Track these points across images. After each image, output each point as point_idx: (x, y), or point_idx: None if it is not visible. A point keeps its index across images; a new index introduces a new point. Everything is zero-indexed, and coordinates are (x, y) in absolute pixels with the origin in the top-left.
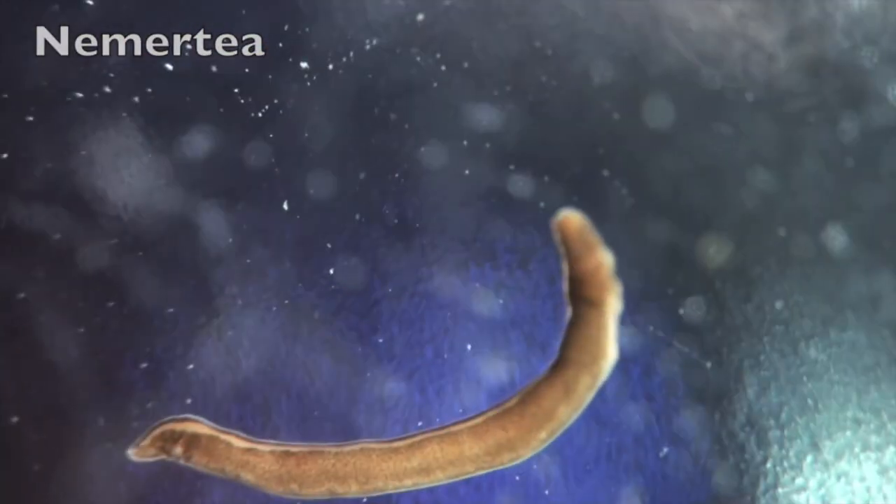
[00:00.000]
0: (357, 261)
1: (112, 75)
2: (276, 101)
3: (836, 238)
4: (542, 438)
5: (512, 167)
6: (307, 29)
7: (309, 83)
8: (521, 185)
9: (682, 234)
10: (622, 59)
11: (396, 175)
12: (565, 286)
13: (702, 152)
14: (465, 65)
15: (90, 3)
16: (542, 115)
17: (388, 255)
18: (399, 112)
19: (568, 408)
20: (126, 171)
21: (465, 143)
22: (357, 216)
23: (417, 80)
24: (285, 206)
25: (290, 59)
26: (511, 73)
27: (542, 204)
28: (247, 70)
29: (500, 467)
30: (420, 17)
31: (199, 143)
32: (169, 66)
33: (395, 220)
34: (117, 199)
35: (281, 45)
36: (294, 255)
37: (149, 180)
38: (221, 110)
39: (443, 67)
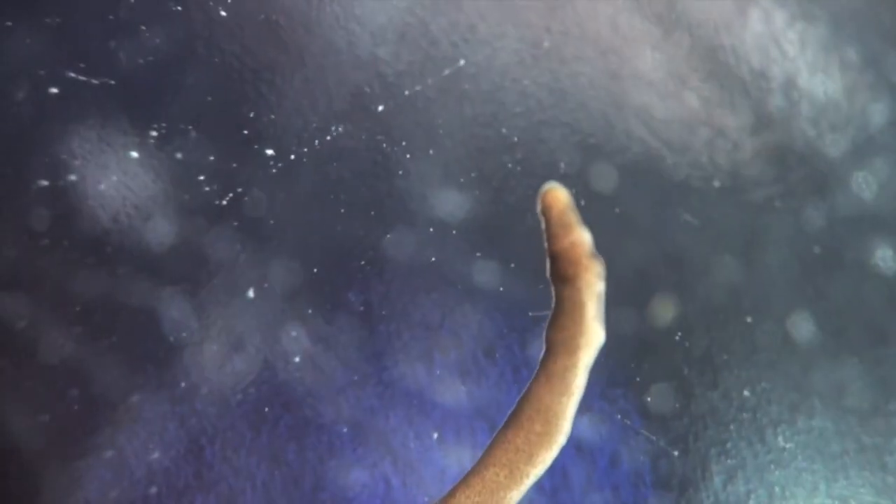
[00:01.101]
0: (322, 348)
1: (77, 162)
2: (240, 189)
3: (803, 325)
4: (545, 433)
5: (478, 254)
6: (272, 116)
7: (274, 170)
8: (487, 272)
9: (648, 321)
10: (588, 147)
11: (362, 262)
12: (547, 267)
13: (668, 240)
14: (431, 151)
15: (55, 90)
16: (508, 202)
17: (352, 343)
18: (364, 199)
19: (554, 394)
20: (90, 259)
21: (431, 230)
22: (322, 304)
23: (382, 168)
24: (250, 294)
25: (256, 147)
26: (477, 159)
27: (507, 291)
28: (212, 157)
29: (533, 478)
30: (385, 104)
31: (163, 230)
32: (134, 154)
33: (361, 308)
34: (81, 288)
35: (246, 132)
36: (258, 343)
37: (112, 268)
38: (186, 198)
39: (408, 155)
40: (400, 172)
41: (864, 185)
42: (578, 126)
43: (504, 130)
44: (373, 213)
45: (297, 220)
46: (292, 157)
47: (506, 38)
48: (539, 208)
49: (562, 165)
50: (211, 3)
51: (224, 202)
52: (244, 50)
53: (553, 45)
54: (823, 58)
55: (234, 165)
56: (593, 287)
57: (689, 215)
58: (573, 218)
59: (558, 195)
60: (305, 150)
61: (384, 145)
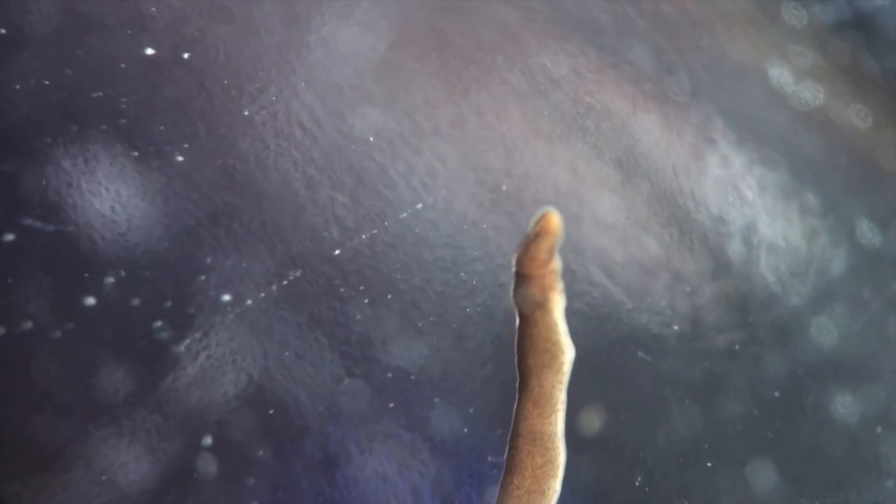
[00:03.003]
0: (279, 497)
1: (32, 307)
2: (197, 335)
3: (763, 471)
4: (548, 463)
5: (437, 400)
6: (229, 261)
7: (231, 316)
8: (446, 418)
9: (609, 467)
10: None
11: (319, 409)
12: (512, 288)
13: (628, 385)
14: (389, 296)
15: (10, 237)
16: (467, 348)
17: (310, 493)
18: (323, 346)
19: (545, 419)
20: (49, 406)
21: (389, 375)
22: (279, 452)
23: (340, 313)
24: (208, 441)
25: (213, 292)
26: (436, 304)
27: (466, 437)
28: (169, 303)
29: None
30: (343, 248)
31: (119, 376)
32: (91, 300)
33: (318, 456)
34: (39, 435)
35: (203, 277)
36: (217, 489)
37: (71, 413)
38: (143, 344)
39: (366, 300)
40: (358, 317)
41: (825, 331)
42: None
43: (463, 275)
44: (330, 358)
45: (255, 367)
46: (249, 302)
47: (465, 182)
48: (533, 226)
49: None
50: (167, 148)
51: (182, 348)
52: (201, 195)
53: (512, 189)
54: (783, 203)
55: (191, 311)
56: (561, 306)
57: (649, 359)
58: (555, 247)
59: (557, 222)
60: (262, 295)
61: (342, 290)
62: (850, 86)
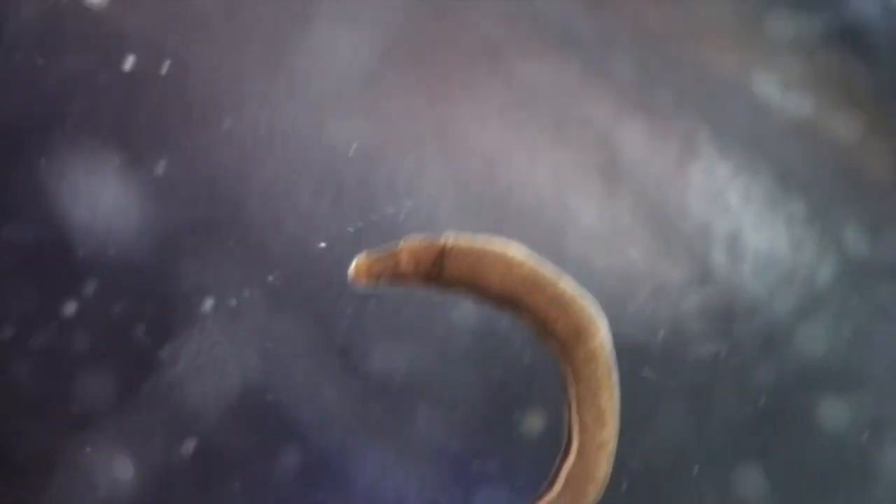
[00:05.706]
0: None
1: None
2: (180, 341)
3: (748, 477)
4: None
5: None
6: (210, 270)
7: (220, 318)
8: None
9: None
10: None
11: (312, 411)
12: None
13: None
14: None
15: None
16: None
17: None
18: (318, 341)
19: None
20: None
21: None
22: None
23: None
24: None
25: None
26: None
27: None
28: (151, 309)
29: None
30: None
31: (100, 384)
32: (71, 307)
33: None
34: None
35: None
36: (199, 498)
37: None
38: (124, 350)
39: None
40: (348, 311)
41: (810, 339)
42: None
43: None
44: (324, 357)
45: (243, 368)
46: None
47: (447, 189)
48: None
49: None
50: (147, 160)
51: (163, 354)
52: (182, 206)
53: (495, 199)
54: (768, 211)
55: (173, 317)
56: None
57: (639, 369)
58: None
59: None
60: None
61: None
62: (838, 97)
